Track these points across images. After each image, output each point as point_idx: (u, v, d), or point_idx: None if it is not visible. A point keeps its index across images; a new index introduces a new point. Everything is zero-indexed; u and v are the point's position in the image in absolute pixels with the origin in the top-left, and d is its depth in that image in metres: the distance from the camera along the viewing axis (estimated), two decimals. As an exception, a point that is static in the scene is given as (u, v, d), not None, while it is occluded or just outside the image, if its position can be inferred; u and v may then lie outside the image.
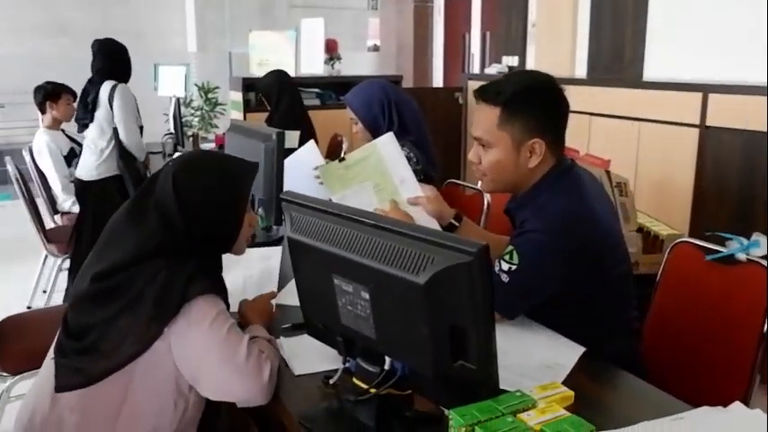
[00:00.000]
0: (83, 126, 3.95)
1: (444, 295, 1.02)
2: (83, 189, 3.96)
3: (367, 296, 1.13)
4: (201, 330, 1.34)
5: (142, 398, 1.35)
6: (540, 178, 1.68)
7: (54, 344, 1.45)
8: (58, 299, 3.90)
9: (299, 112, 4.15)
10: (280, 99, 4.10)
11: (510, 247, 1.61)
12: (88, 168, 3.94)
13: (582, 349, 1.54)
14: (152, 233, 1.40)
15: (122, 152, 3.91)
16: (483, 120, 1.66)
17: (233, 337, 1.35)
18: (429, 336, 1.05)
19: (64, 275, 4.01)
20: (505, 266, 1.59)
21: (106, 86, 3.88)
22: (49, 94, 4.44)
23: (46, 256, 4.06)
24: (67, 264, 3.97)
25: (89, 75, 4.12)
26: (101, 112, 3.89)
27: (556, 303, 1.63)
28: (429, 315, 1.04)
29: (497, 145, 1.65)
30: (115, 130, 3.89)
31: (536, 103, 1.63)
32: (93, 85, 3.88)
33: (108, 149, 3.92)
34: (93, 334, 1.36)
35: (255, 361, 1.34)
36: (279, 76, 4.26)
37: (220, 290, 1.46)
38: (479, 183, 1.81)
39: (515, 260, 1.58)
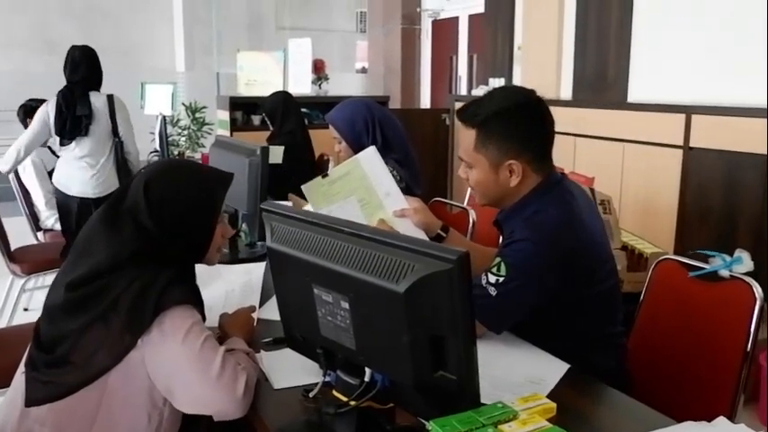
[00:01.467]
0: (69, 140, 3.75)
1: (424, 303, 1.00)
2: (85, 207, 3.77)
3: (347, 306, 1.12)
4: (176, 342, 1.31)
5: (115, 411, 1.32)
6: (529, 191, 1.67)
7: (25, 357, 1.41)
8: (19, 319, 3.71)
9: (302, 132, 4.16)
10: (285, 119, 4.11)
11: (497, 259, 1.59)
12: (89, 185, 3.79)
13: (566, 366, 1.52)
14: (125, 240, 1.37)
15: (123, 166, 3.81)
16: (462, 141, 1.69)
17: (208, 349, 1.32)
18: (409, 345, 1.04)
19: (28, 296, 3.90)
20: (492, 279, 1.57)
21: (99, 98, 3.76)
22: (29, 111, 4.37)
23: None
24: (31, 284, 3.85)
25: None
26: (100, 125, 3.75)
27: (542, 316, 1.62)
28: (409, 324, 1.03)
29: (477, 166, 1.67)
30: (120, 144, 3.80)
31: (510, 125, 1.62)
32: (80, 97, 3.70)
33: (109, 164, 3.82)
34: (64, 345, 1.32)
35: (230, 374, 1.31)
36: (284, 96, 4.28)
37: (195, 300, 1.43)
38: (475, 197, 1.82)
39: (503, 272, 1.56)
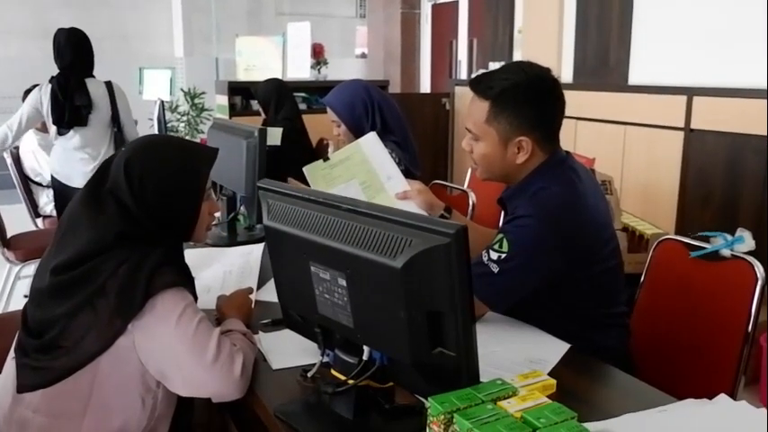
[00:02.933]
0: (67, 129, 3.64)
1: (422, 279, 0.99)
2: None
3: (344, 283, 1.10)
4: (169, 326, 1.28)
5: (108, 395, 1.30)
6: (534, 169, 1.65)
7: (15, 342, 1.39)
8: (18, 306, 3.71)
9: (297, 119, 4.15)
10: (279, 107, 4.10)
11: (500, 236, 1.57)
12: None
13: (567, 346, 1.51)
14: (109, 222, 1.33)
15: None
16: (473, 112, 1.65)
17: (203, 331, 1.30)
18: (407, 322, 1.02)
19: (23, 283, 3.90)
20: (494, 255, 1.55)
21: (97, 84, 3.66)
22: None
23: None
24: (27, 271, 3.80)
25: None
26: (100, 115, 3.65)
27: (543, 296, 1.61)
28: (407, 300, 1.01)
29: (485, 139, 1.64)
30: (119, 133, 3.71)
31: (524, 100, 1.60)
32: (77, 86, 3.58)
33: (109, 153, 3.69)
34: (53, 330, 1.29)
35: (227, 356, 1.29)
36: (277, 83, 4.27)
37: (187, 280, 1.40)
38: (476, 171, 1.78)
39: (505, 248, 1.54)
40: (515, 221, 1.58)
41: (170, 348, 1.29)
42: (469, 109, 1.68)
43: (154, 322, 1.28)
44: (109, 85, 3.71)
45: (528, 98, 1.60)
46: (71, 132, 3.68)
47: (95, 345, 1.27)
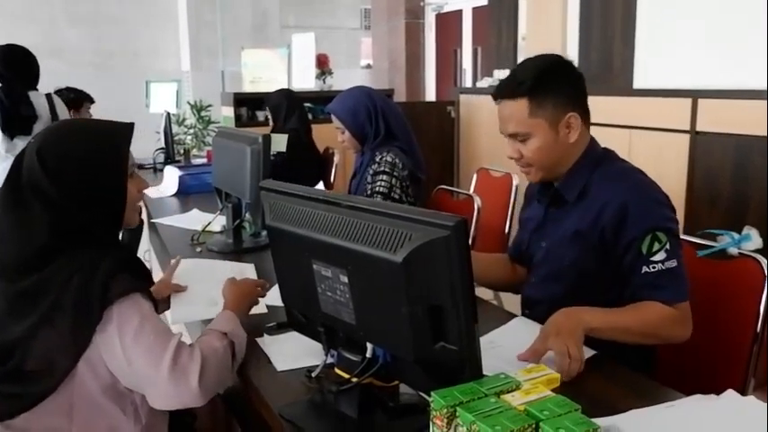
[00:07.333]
0: (11, 137, 3.66)
1: (423, 272, 0.99)
2: None
3: (346, 280, 1.10)
4: (128, 338, 1.23)
5: (88, 407, 1.26)
6: (584, 153, 1.69)
7: None
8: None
9: (306, 131, 4.18)
10: (288, 117, 4.13)
11: (647, 237, 1.55)
12: None
13: (591, 352, 1.48)
14: (35, 219, 1.26)
15: None
16: (512, 114, 1.64)
17: (160, 342, 1.24)
18: (409, 316, 1.02)
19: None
20: (661, 256, 1.55)
21: (39, 97, 3.73)
22: (70, 102, 4.20)
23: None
24: None
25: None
26: (43, 123, 3.68)
27: (580, 291, 1.62)
28: (408, 294, 1.01)
29: (535, 133, 1.63)
30: None
31: (559, 80, 1.64)
32: (21, 97, 3.63)
33: None
34: (16, 354, 1.24)
35: (183, 364, 1.24)
36: (287, 93, 4.31)
37: (142, 283, 1.33)
38: (526, 176, 1.76)
39: (664, 240, 1.55)
40: (651, 211, 1.61)
41: (131, 363, 1.24)
42: (507, 115, 1.66)
43: (114, 336, 1.23)
44: (49, 96, 3.79)
45: (562, 78, 1.65)
46: (15, 140, 3.71)
47: (63, 364, 1.22)
